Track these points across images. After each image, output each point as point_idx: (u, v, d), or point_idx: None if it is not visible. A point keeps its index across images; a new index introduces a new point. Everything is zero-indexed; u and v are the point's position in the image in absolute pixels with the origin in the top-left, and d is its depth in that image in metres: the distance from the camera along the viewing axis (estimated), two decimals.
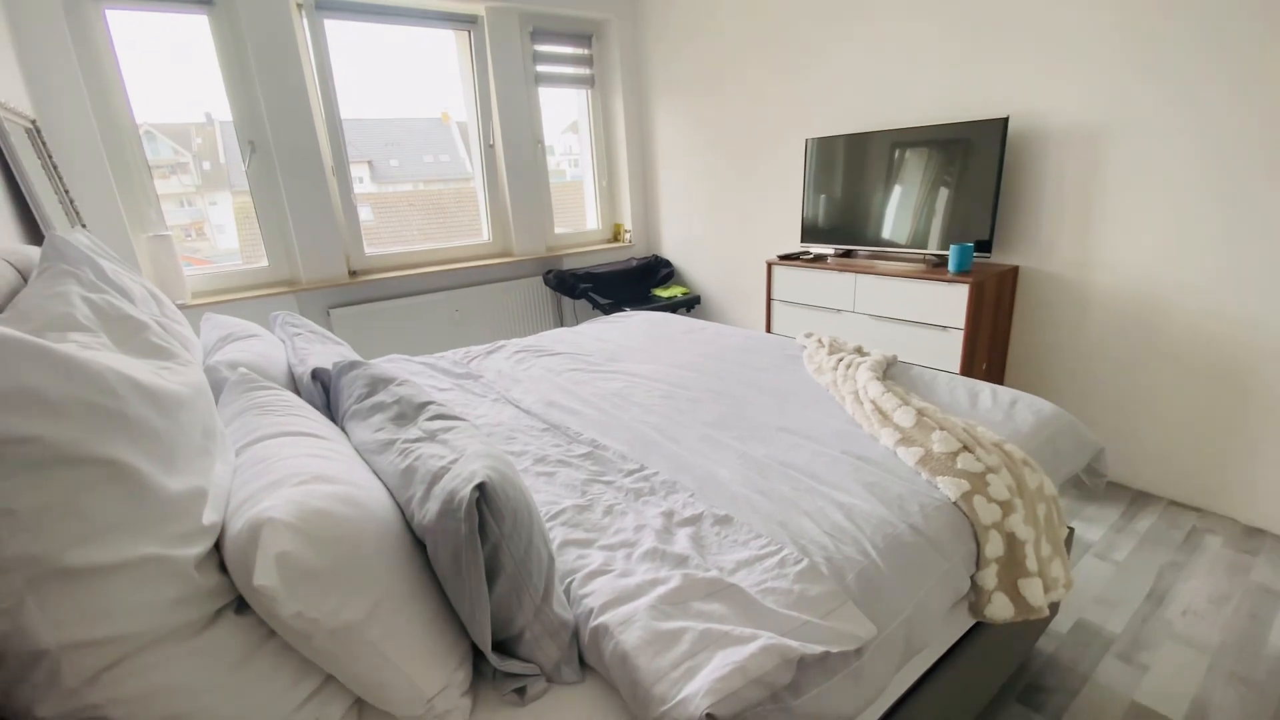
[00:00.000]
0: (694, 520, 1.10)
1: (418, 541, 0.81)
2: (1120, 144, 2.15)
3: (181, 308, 2.67)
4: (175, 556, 0.66)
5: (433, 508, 0.74)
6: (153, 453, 0.68)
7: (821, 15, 2.92)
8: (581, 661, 0.85)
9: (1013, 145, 2.38)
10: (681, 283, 4.13)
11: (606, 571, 0.94)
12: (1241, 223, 1.96)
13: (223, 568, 0.73)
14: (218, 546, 0.74)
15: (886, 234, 2.71)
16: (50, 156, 2.17)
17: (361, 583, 0.70)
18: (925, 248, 2.56)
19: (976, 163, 2.35)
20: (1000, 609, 1.12)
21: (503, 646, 0.81)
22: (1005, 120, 2.26)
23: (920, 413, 1.34)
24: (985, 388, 1.60)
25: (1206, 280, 2.07)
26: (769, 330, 3.10)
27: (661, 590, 0.88)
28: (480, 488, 0.72)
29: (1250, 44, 1.84)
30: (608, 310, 3.54)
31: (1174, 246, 2.11)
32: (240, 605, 0.73)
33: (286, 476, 0.75)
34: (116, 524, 0.62)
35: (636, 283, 3.91)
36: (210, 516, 0.72)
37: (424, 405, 1.00)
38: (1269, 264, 1.94)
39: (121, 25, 2.56)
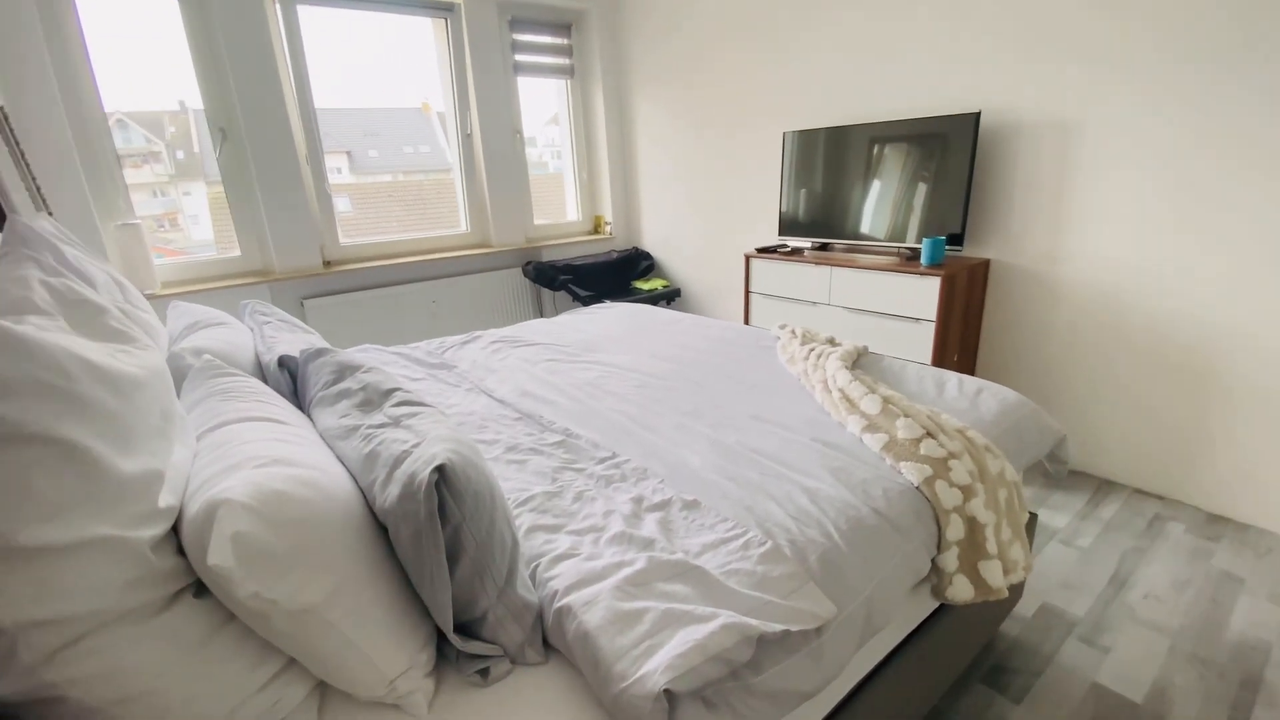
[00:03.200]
0: (663, 505, 1.11)
1: (381, 526, 0.81)
2: (1089, 139, 2.19)
3: (150, 297, 2.63)
4: (130, 538, 0.66)
5: (394, 491, 0.74)
6: (107, 434, 0.67)
7: (799, 7, 2.93)
8: (546, 643, 0.86)
9: (985, 139, 2.42)
10: (662, 275, 4.14)
11: (573, 555, 0.95)
12: (1205, 218, 2.01)
13: (181, 551, 0.73)
14: (175, 530, 0.73)
15: (864, 228, 2.74)
16: (18, 143, 2.11)
17: (321, 564, 0.70)
18: (904, 241, 2.60)
19: (951, 157, 2.39)
20: (961, 590, 1.15)
21: (466, 628, 0.82)
22: (977, 115, 2.29)
23: (886, 400, 1.36)
24: (952, 377, 1.63)
25: (1171, 274, 2.12)
26: (747, 322, 3.12)
27: (626, 572, 0.89)
28: (440, 469, 0.73)
29: (1218, 41, 1.89)
30: (587, 302, 3.54)
31: (1139, 240, 2.16)
32: (199, 589, 0.73)
33: (246, 459, 0.75)
34: (70, 504, 0.62)
35: (617, 275, 3.91)
36: (167, 499, 0.72)
37: (390, 392, 1.00)
38: (1231, 258, 1.99)
39: (92, 10, 2.50)
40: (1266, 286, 1.94)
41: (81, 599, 0.62)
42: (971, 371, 2.64)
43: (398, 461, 0.78)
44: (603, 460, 1.28)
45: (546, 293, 3.88)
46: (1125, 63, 2.06)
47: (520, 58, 3.67)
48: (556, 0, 3.64)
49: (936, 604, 1.28)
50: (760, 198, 3.38)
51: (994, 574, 1.17)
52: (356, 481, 0.84)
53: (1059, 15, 2.17)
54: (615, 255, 4.00)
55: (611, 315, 2.50)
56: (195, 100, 2.79)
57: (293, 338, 1.41)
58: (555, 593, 0.86)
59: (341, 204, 3.28)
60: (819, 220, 2.91)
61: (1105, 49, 2.10)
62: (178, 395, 1.07)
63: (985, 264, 2.51)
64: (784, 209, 3.04)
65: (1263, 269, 1.93)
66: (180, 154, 2.95)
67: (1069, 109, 2.21)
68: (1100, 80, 2.13)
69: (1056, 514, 2.21)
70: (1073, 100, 2.20)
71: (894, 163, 2.60)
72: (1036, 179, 2.34)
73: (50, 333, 0.74)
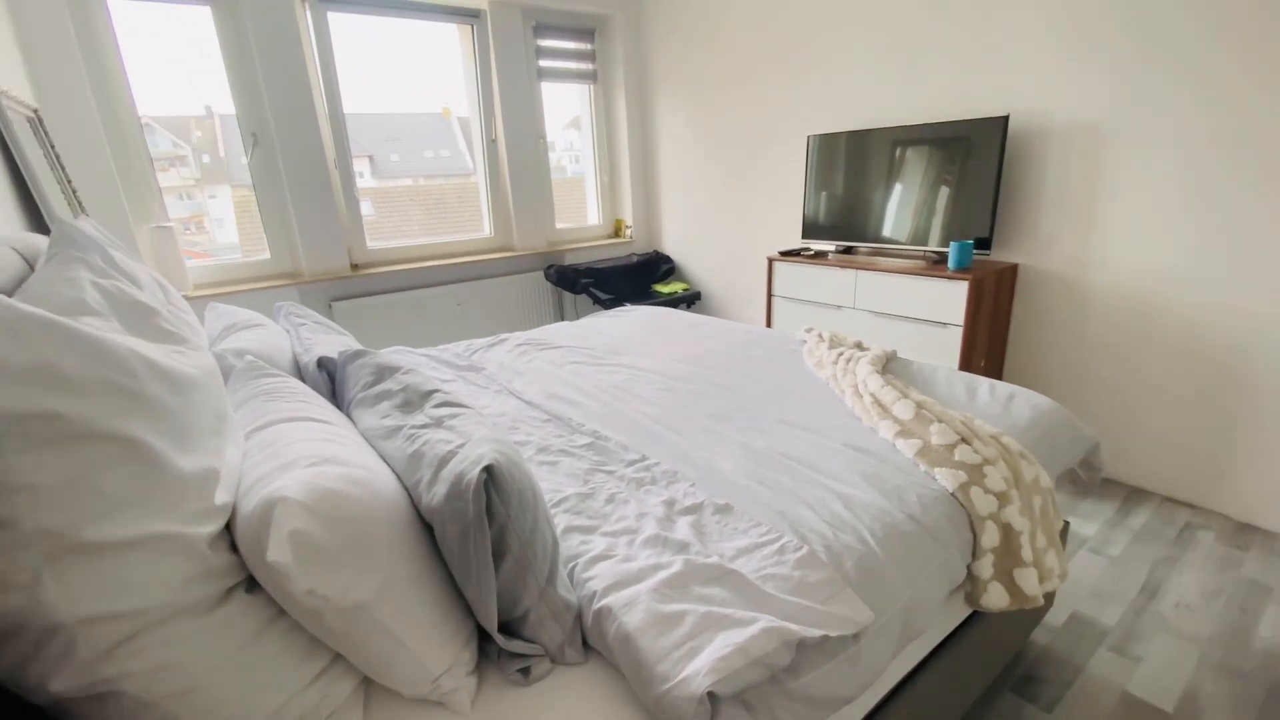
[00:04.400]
0: (695, 509, 1.11)
1: (425, 525, 0.83)
2: (1122, 143, 2.16)
3: (185, 299, 2.68)
4: (189, 534, 0.67)
5: (440, 490, 0.75)
6: (168, 432, 0.69)
7: (825, 11, 2.93)
8: (585, 643, 0.86)
9: (1013, 143, 2.40)
10: (682, 279, 4.14)
11: (609, 557, 0.96)
12: (1234, 226, 1.98)
13: (233, 548, 0.74)
14: (228, 527, 0.75)
15: (887, 231, 2.73)
16: (53, 146, 2.17)
17: (371, 562, 0.71)
18: (926, 245, 2.58)
19: (977, 161, 2.37)
20: (996, 598, 1.14)
21: (508, 627, 0.83)
22: (1005, 119, 2.27)
23: (919, 405, 1.36)
24: (983, 382, 1.61)
25: (1201, 281, 2.08)
26: (769, 326, 3.11)
27: (663, 575, 0.89)
28: (488, 470, 0.74)
29: (1250, 49, 1.86)
30: (608, 305, 3.55)
31: (1170, 247, 2.13)
32: (250, 585, 0.74)
33: (297, 459, 0.76)
34: (132, 500, 0.64)
35: (637, 278, 3.92)
36: (222, 497, 0.74)
37: (430, 393, 1.01)
38: (1261, 267, 1.95)
39: (124, 15, 2.57)
40: None
41: (141, 595, 0.63)
42: (999, 377, 2.62)
43: (443, 461, 0.79)
44: (633, 463, 1.29)
45: (568, 296, 3.90)
46: (1156, 68, 2.04)
47: (544, 63, 3.70)
48: (581, 6, 3.66)
49: (969, 611, 1.27)
50: (782, 201, 3.37)
51: (1030, 582, 1.16)
52: (400, 480, 0.86)
53: (1088, 20, 2.15)
54: (636, 259, 4.01)
55: (634, 318, 2.51)
56: (221, 105, 2.84)
57: (328, 339, 1.43)
58: (594, 594, 0.87)
59: (365, 207, 3.33)
60: (842, 223, 2.89)
61: (1136, 53, 2.07)
62: None
63: (1013, 268, 2.48)
64: (807, 212, 3.03)
65: None
66: (206, 158, 3.01)
67: (1099, 113, 2.19)
68: (1130, 85, 2.10)
69: (1086, 522, 2.18)
70: (1103, 105, 2.17)
71: (916, 166, 2.58)
72: (1066, 183, 2.32)
73: (113, 333, 0.76)
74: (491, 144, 3.60)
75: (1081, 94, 2.22)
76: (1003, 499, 1.15)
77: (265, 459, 0.79)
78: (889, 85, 2.76)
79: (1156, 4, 2.00)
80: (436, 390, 1.02)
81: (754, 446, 1.34)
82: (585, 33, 3.86)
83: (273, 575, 0.65)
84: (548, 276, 3.70)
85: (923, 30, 2.59)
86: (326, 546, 0.67)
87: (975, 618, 1.29)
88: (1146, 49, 2.05)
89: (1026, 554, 1.17)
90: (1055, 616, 1.75)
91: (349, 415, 1.10)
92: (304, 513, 0.66)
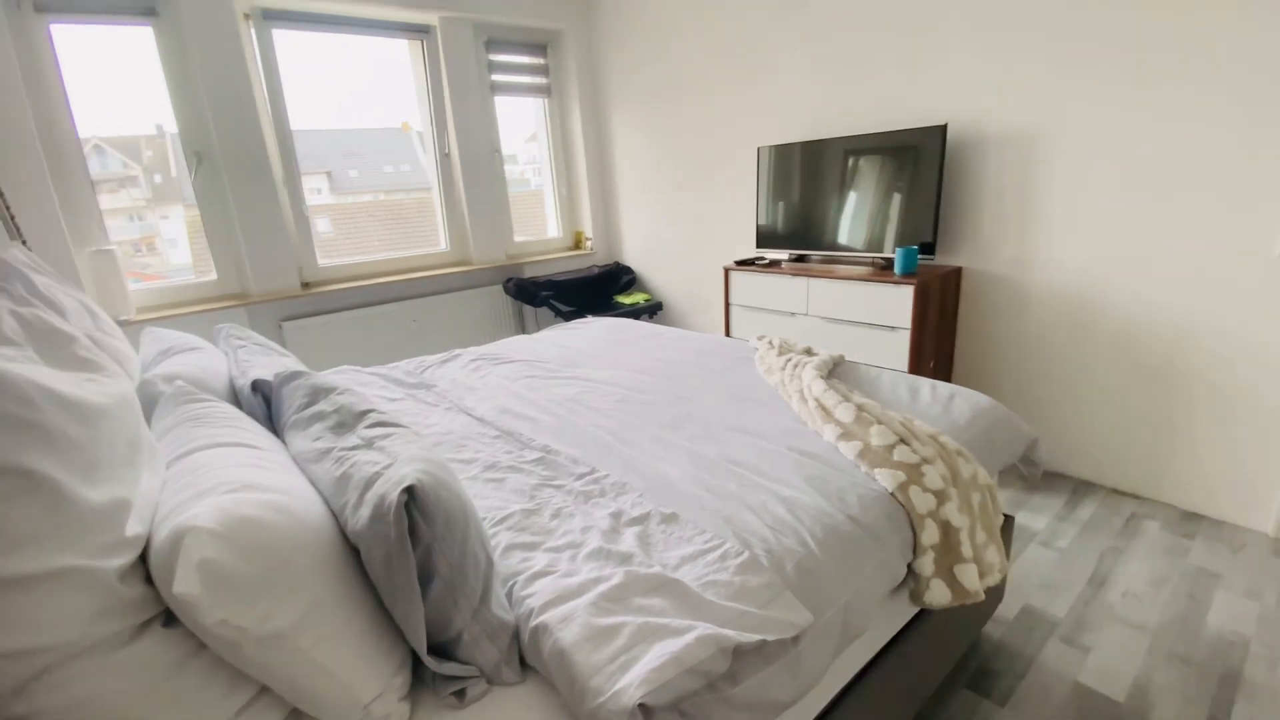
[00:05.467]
0: (641, 519, 1.11)
1: (354, 549, 0.81)
2: (1053, 147, 2.25)
3: (125, 323, 2.60)
4: (97, 567, 0.65)
5: (364, 513, 0.74)
6: (72, 463, 0.67)
7: (769, 26, 2.99)
8: (523, 662, 0.85)
9: (953, 151, 2.48)
10: (643, 289, 4.16)
11: (550, 573, 0.95)
12: (1167, 219, 2.07)
13: (150, 580, 0.72)
14: (144, 558, 0.73)
15: (842, 239, 2.79)
16: None
17: (291, 590, 0.69)
18: (881, 251, 2.64)
19: (922, 168, 2.44)
20: (938, 595, 1.16)
21: (442, 649, 0.81)
22: (944, 127, 2.34)
23: (860, 408, 1.38)
24: (925, 383, 1.65)
25: (1133, 277, 2.17)
26: (728, 334, 3.14)
27: (603, 588, 0.89)
28: (409, 490, 0.73)
29: (1172, 54, 1.96)
30: (569, 318, 3.55)
31: (1102, 245, 2.22)
32: (169, 618, 0.72)
33: (215, 485, 0.75)
34: (35, 535, 0.62)
35: (598, 290, 3.93)
36: (135, 528, 0.71)
37: (364, 414, 1.00)
38: (1189, 262, 2.05)
39: (67, 39, 2.50)
40: (1223, 288, 2.00)
41: (49, 630, 0.62)
42: (948, 378, 2.68)
43: (369, 484, 0.78)
44: (582, 476, 1.29)
45: (528, 309, 3.89)
46: (1082, 76, 2.13)
47: (497, 78, 3.71)
48: (532, 21, 3.68)
49: (916, 609, 1.29)
50: (738, 211, 3.42)
51: (970, 577, 1.19)
52: (329, 505, 0.84)
53: (1016, 31, 2.24)
54: (596, 270, 4.02)
55: (592, 330, 2.51)
56: (172, 124, 2.79)
57: (268, 361, 1.40)
58: (531, 610, 0.86)
59: (322, 224, 3.28)
60: (796, 232, 2.95)
61: (1062, 61, 2.16)
62: (149, 422, 1.07)
63: (957, 271, 2.55)
64: (761, 222, 3.08)
65: (1219, 271, 1.99)
66: (158, 178, 2.93)
67: (1030, 120, 2.28)
68: (1058, 93, 2.19)
69: (1035, 516, 2.24)
70: (1033, 111, 2.26)
71: (869, 174, 2.65)
72: (1002, 188, 2.40)
73: (15, 363, 0.73)
74: (445, 158, 3.58)
75: (1012, 101, 2.31)
76: (941, 497, 1.18)
77: (183, 487, 0.77)
78: (834, 96, 2.83)
79: (1080, 11, 2.10)
80: (370, 410, 1.01)
81: (704, 454, 1.34)
82: (538, 47, 3.88)
83: (182, 606, 0.64)
84: (507, 290, 3.68)
85: (863, 42, 2.67)
86: (240, 575, 0.65)
87: (923, 616, 1.31)
88: (1073, 56, 2.14)
89: (966, 550, 1.19)
90: (1007, 609, 1.79)
91: (283, 439, 1.08)
92: (216, 541, 0.65)
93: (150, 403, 1.13)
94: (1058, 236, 2.31)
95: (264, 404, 1.22)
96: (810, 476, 1.21)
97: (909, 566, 1.15)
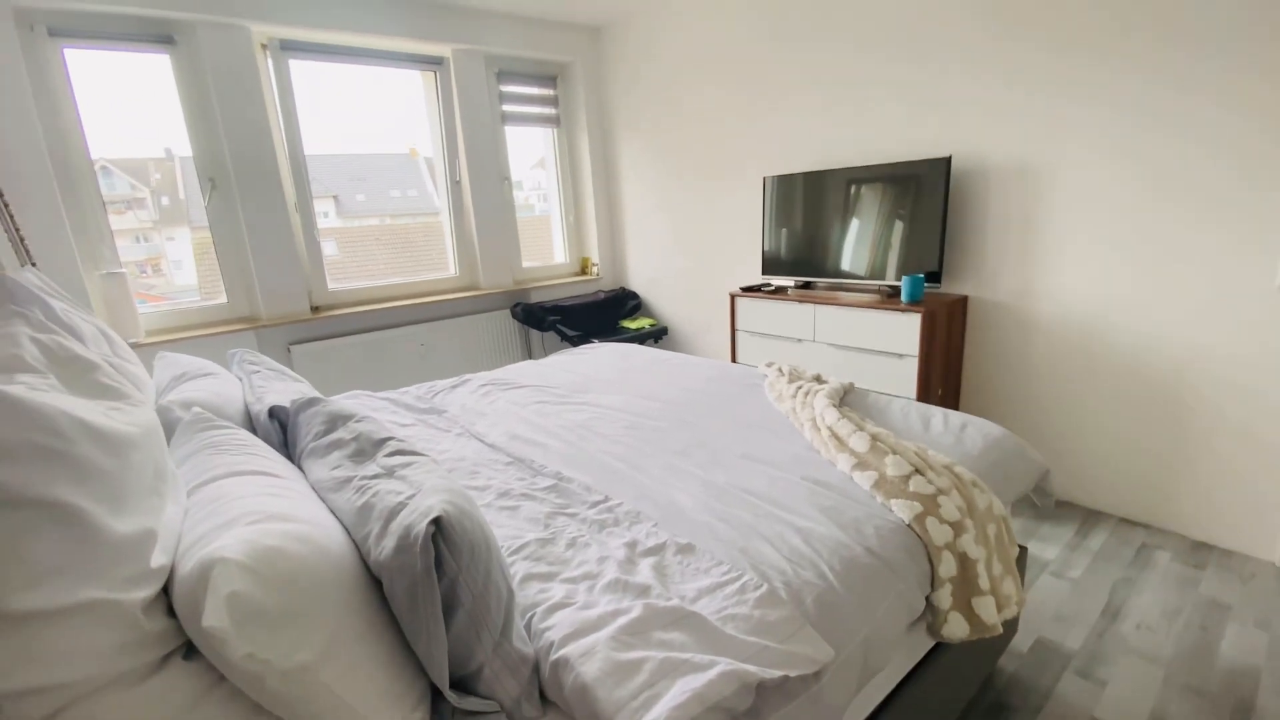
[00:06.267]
0: (657, 550, 1.11)
1: (375, 580, 0.81)
2: (1056, 180, 2.29)
3: (135, 346, 2.61)
4: (121, 600, 0.65)
5: (389, 544, 0.74)
6: (101, 494, 0.67)
7: (774, 61, 3.06)
8: (543, 696, 0.84)
9: (957, 182, 2.51)
10: (649, 314, 4.18)
11: (568, 604, 0.94)
12: (1172, 250, 2.09)
13: (171, 612, 0.72)
14: (166, 589, 0.72)
15: (845, 266, 2.81)
16: (1, 194, 2.13)
17: (315, 622, 0.69)
18: (883, 279, 2.66)
19: (926, 198, 2.47)
20: (956, 628, 1.15)
21: (462, 684, 0.80)
22: (948, 159, 2.38)
23: (874, 438, 1.38)
24: (937, 412, 1.66)
25: (1137, 307, 2.19)
26: (734, 360, 3.15)
27: (622, 621, 0.88)
28: (436, 522, 0.73)
29: (1171, 87, 2.00)
30: (576, 342, 3.56)
31: (1106, 275, 2.24)
32: (189, 650, 0.72)
33: (239, 516, 0.75)
34: (61, 568, 0.62)
35: (605, 315, 3.95)
36: (159, 559, 0.71)
37: (383, 441, 1.00)
38: (1191, 292, 2.07)
39: (80, 62, 2.55)
40: (1228, 318, 2.01)
41: (70, 665, 0.61)
42: (956, 405, 2.68)
43: (393, 514, 0.78)
44: (595, 504, 1.28)
45: (535, 334, 3.90)
46: (1085, 110, 2.17)
47: (508, 108, 3.78)
48: (542, 55, 3.76)
49: (933, 642, 1.27)
50: (743, 237, 3.45)
51: (988, 610, 1.18)
52: (350, 534, 0.84)
53: (1019, 69, 2.29)
54: (603, 295, 4.04)
55: (600, 356, 2.52)
56: (181, 148, 2.83)
57: (283, 386, 1.41)
58: (551, 644, 0.85)
59: (328, 248, 3.31)
60: (801, 259, 2.97)
61: (1064, 100, 2.21)
62: (168, 448, 1.07)
63: (963, 300, 2.57)
64: (766, 249, 3.11)
65: (1224, 301, 2.01)
66: (165, 200, 2.97)
67: (1031, 155, 2.32)
68: (1059, 129, 2.23)
69: (1046, 545, 2.23)
70: (1036, 145, 2.30)
71: (871, 203, 2.68)
72: (1006, 219, 2.43)
73: (44, 393, 0.74)
74: (456, 185, 3.63)
75: (1015, 136, 2.34)
76: (958, 528, 1.18)
77: (206, 517, 0.76)
78: (839, 129, 2.88)
79: (1081, 54, 2.15)
80: (390, 438, 1.01)
81: (716, 482, 1.34)
82: (547, 79, 3.96)
83: (209, 640, 0.63)
84: (514, 314, 3.70)
85: (868, 79, 2.73)
86: (267, 608, 0.65)
87: (939, 649, 1.29)
88: (1074, 93, 2.19)
89: (984, 582, 1.18)
90: (1021, 642, 1.77)
91: (300, 466, 1.08)
92: (243, 574, 0.64)
93: (168, 429, 1.13)
94: (1063, 266, 2.33)
95: (280, 430, 1.22)
96: (825, 507, 1.21)
97: (926, 599, 1.14)
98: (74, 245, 2.49)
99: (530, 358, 3.88)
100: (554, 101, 4.02)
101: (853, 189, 2.73)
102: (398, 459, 0.95)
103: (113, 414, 0.78)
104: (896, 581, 1.07)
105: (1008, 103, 2.34)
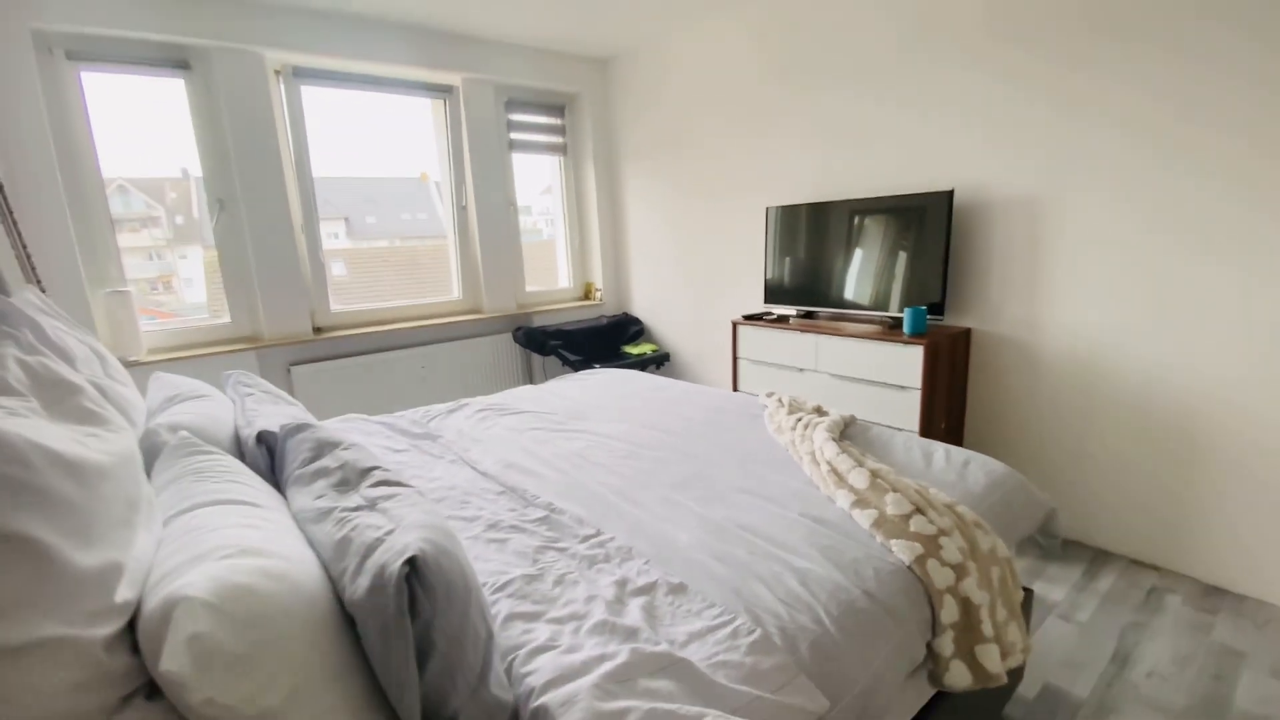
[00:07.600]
0: (648, 589, 1.07)
1: (351, 618, 0.78)
2: (1059, 213, 2.27)
3: (135, 364, 2.61)
4: (81, 637, 0.62)
5: (363, 582, 0.71)
6: (66, 527, 0.65)
7: (778, 95, 3.09)
8: None
9: (960, 215, 2.51)
10: (651, 340, 4.17)
11: (552, 647, 0.91)
12: (1179, 284, 2.07)
13: (137, 648, 0.69)
14: (132, 625, 0.70)
15: (848, 296, 2.80)
16: (11, 213, 2.15)
17: (283, 664, 0.66)
18: (886, 309, 2.64)
19: (929, 230, 2.46)
20: (958, 677, 1.11)
21: None
22: (950, 193, 2.38)
23: (874, 474, 1.35)
24: (940, 448, 1.62)
25: (1148, 342, 2.16)
26: (736, 388, 3.12)
27: (607, 667, 0.85)
28: (411, 562, 0.70)
29: (1174, 120, 2.00)
30: (577, 367, 3.54)
31: (1111, 310, 2.21)
32: (152, 689, 0.69)
33: (212, 549, 0.72)
34: (18, 602, 0.59)
35: (607, 340, 3.94)
36: (125, 594, 0.69)
37: (368, 471, 0.97)
38: (1206, 326, 2.03)
39: (96, 84, 2.60)
40: (1239, 356, 1.98)
41: (24, 706, 0.58)
42: (960, 439, 2.64)
43: (369, 550, 0.75)
44: (586, 538, 1.25)
45: (536, 358, 3.89)
46: (1085, 145, 2.17)
47: (516, 136, 3.82)
48: (551, 85, 3.82)
49: (934, 691, 1.22)
50: (746, 266, 3.45)
51: (992, 659, 1.13)
52: (327, 570, 0.81)
53: (1020, 104, 2.29)
54: (605, 321, 4.04)
55: (599, 382, 2.50)
56: (196, 168, 2.86)
57: (275, 410, 1.39)
58: (532, 690, 0.82)
59: (337, 268, 3.32)
60: (804, 288, 2.96)
61: (1064, 132, 2.21)
62: (150, 473, 1.05)
63: (967, 333, 2.55)
64: (769, 277, 3.10)
65: (1234, 338, 1.98)
66: (179, 219, 3.00)
67: (1033, 189, 2.31)
68: (1061, 162, 2.23)
69: (1053, 586, 2.16)
70: (1037, 180, 2.30)
71: (874, 234, 2.68)
72: (1010, 251, 2.42)
73: (20, 418, 0.72)
74: (462, 210, 3.65)
75: (1017, 171, 2.34)
76: (960, 571, 1.14)
77: (179, 549, 0.74)
78: (842, 162, 2.89)
79: (1079, 88, 2.15)
80: (375, 468, 0.99)
81: (712, 518, 1.31)
82: (555, 108, 4.01)
83: (169, 684, 0.60)
84: (516, 338, 3.70)
85: (869, 117, 2.75)
86: (232, 650, 0.62)
87: (941, 698, 1.24)
88: (1074, 128, 2.19)
89: (987, 629, 1.14)
90: (1027, 689, 1.70)
91: (285, 494, 1.05)
92: (208, 613, 0.62)
93: (153, 453, 1.11)
94: (1069, 299, 2.31)
95: (268, 456, 1.20)
96: (824, 546, 1.17)
97: (928, 646, 1.10)
98: (80, 263, 2.51)
99: (531, 382, 3.86)
100: (561, 130, 4.07)
101: (856, 220, 2.73)
102: (381, 490, 0.92)
103: (88, 441, 0.76)
104: (897, 628, 1.03)
105: (1011, 137, 2.34)
